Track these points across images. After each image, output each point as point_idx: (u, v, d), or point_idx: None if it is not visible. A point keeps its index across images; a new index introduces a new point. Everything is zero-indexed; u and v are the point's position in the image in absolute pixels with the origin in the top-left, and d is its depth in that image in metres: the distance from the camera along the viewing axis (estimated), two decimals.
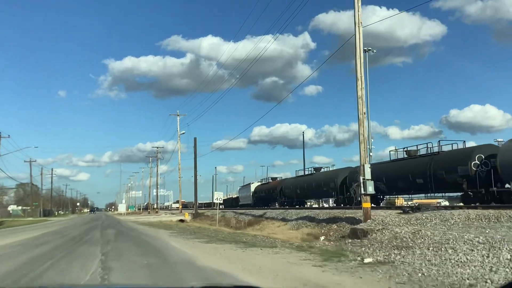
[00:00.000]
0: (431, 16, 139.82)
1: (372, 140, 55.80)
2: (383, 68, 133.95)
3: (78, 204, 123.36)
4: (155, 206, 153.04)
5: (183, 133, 52.01)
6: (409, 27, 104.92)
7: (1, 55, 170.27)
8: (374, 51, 59.21)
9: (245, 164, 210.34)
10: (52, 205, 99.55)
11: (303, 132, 78.63)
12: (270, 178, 55.97)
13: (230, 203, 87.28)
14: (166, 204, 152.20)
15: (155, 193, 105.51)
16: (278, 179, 54.80)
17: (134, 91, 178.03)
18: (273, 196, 52.16)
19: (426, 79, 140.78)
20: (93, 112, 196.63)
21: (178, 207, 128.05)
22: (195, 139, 46.52)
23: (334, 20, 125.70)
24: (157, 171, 78.12)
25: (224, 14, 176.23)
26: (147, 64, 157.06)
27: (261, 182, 60.16)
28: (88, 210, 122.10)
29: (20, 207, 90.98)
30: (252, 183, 63.03)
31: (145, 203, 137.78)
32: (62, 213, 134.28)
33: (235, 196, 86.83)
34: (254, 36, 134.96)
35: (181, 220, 38.41)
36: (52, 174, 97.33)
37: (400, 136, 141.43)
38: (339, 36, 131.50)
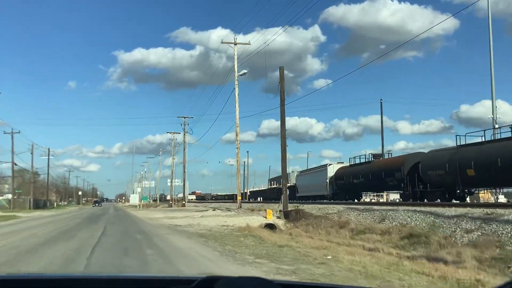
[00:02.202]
0: (443, 10, 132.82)
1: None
2: (394, 63, 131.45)
3: (80, 193, 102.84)
4: (168, 197, 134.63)
5: (245, 73, 31.83)
6: (421, 20, 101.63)
7: (12, 47, 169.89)
8: None
9: (254, 158, 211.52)
10: (48, 194, 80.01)
11: (380, 100, 59.17)
12: (370, 155, 35.85)
13: (274, 195, 67.36)
14: (180, 195, 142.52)
15: (169, 183, 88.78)
16: (385, 156, 34.83)
17: (144, 83, 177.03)
18: (382, 182, 32.30)
19: (437, 73, 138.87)
20: (103, 103, 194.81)
21: (193, 199, 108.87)
22: (281, 68, 26.47)
23: (344, 13, 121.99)
24: (184, 148, 58.56)
25: (233, 6, 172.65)
26: (157, 56, 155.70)
27: (349, 163, 40.14)
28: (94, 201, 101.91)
29: (8, 196, 72.26)
30: (330, 164, 43.29)
31: (158, 194, 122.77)
32: (65, 203, 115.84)
33: (289, 185, 66.79)
34: (264, 29, 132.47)
35: (270, 226, 18.72)
36: (48, 155, 77.91)
37: (410, 131, 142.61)
38: (349, 30, 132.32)
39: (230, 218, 22.09)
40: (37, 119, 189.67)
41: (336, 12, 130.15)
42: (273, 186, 73.11)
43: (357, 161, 39.87)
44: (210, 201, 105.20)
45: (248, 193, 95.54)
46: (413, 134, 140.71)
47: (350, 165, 39.16)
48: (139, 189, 79.29)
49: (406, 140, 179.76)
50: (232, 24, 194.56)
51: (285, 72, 26.50)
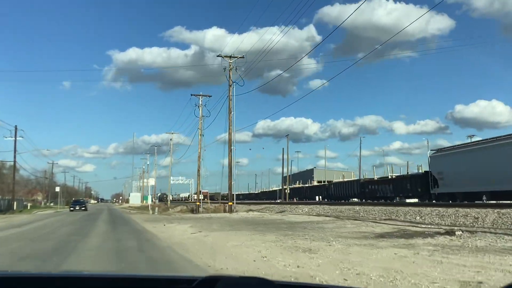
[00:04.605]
0: (439, 10, 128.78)
1: None
2: (389, 62, 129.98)
3: (57, 189, 77.67)
4: (167, 197, 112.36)
5: None
6: (417, 20, 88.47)
7: (5, 46, 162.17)
8: None
9: (249, 158, 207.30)
10: (14, 193, 55.37)
11: None
12: None
13: (351, 191, 43.63)
14: (182, 195, 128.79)
15: (173, 181, 73.73)
16: None
17: (139, 83, 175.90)
18: None
19: (433, 73, 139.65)
20: (98, 103, 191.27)
21: (201, 199, 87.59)
22: None
23: (339, 13, 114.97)
24: (230, 109, 34.78)
25: (228, 5, 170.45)
26: (152, 55, 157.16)
27: None
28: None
29: None
30: None
31: (158, 194, 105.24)
32: (51, 204, 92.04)
33: (397, 175, 42.82)
34: (259, 28, 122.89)
35: None
36: (15, 136, 53.54)
37: (405, 131, 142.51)
38: (344, 29, 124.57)
39: None
40: (31, 120, 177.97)
41: (331, 11, 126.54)
42: (344, 180, 49.09)
43: None
44: (220, 201, 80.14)
45: (288, 191, 72.02)
46: (408, 134, 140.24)
47: None
48: (152, 183, 55.19)
49: (402, 140, 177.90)
50: (227, 23, 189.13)
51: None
